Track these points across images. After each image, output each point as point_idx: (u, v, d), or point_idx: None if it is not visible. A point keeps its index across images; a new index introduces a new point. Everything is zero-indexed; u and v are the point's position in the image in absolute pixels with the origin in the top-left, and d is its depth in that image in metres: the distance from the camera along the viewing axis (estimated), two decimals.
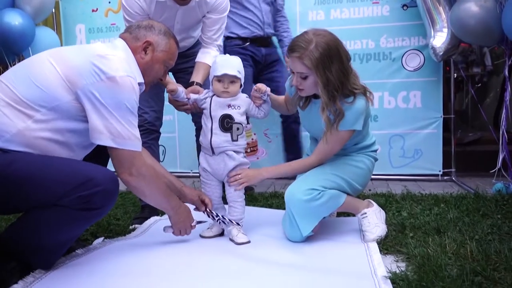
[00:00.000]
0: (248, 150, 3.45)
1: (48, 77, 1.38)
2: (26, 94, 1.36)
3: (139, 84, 1.53)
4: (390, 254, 1.66)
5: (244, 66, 1.88)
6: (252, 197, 2.67)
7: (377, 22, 3.15)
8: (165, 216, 2.22)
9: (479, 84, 3.87)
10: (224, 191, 1.93)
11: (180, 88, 1.91)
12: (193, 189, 1.92)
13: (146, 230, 1.98)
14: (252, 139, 3.44)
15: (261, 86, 1.84)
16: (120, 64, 1.44)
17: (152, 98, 2.18)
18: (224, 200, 1.95)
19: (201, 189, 1.94)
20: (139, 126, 2.16)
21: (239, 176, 1.83)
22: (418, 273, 1.41)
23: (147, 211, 2.16)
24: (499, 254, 1.54)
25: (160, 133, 2.32)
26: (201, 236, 1.87)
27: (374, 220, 1.82)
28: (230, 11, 2.22)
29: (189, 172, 3.53)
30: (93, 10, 3.68)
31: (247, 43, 2.79)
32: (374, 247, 1.66)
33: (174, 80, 2.18)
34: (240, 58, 1.87)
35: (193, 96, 1.91)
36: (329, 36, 1.68)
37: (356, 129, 1.75)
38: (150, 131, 2.23)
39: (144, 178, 1.50)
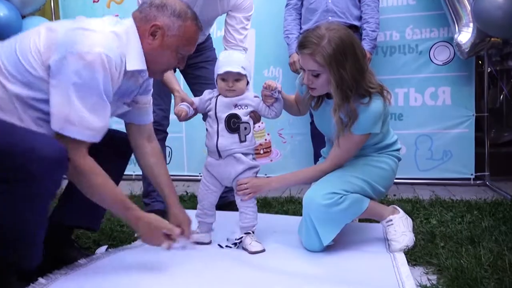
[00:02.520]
0: (261, 152, 3.47)
1: (27, 48, 1.35)
2: (8, 63, 1.35)
3: (141, 71, 1.49)
4: (419, 266, 1.63)
5: None
6: (266, 203, 2.66)
7: (402, 11, 3.12)
8: None
9: None
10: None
11: (189, 110, 1.88)
12: (181, 213, 1.75)
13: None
14: (266, 139, 3.45)
15: (271, 82, 1.81)
16: (100, 40, 1.36)
17: (159, 95, 2.18)
18: (227, 208, 1.93)
19: (199, 188, 1.92)
20: None
21: (245, 186, 1.82)
22: (451, 286, 1.38)
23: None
24: None
25: (167, 133, 2.33)
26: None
27: (401, 228, 1.79)
28: None
29: (198, 175, 3.53)
30: (94, 1, 3.73)
31: None
32: (402, 258, 1.64)
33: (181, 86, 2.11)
34: None
35: (195, 101, 1.91)
36: (343, 30, 1.67)
37: (374, 132, 1.73)
38: (156, 131, 2.19)
39: (82, 170, 1.38)
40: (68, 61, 1.31)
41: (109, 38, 1.39)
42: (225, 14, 2.20)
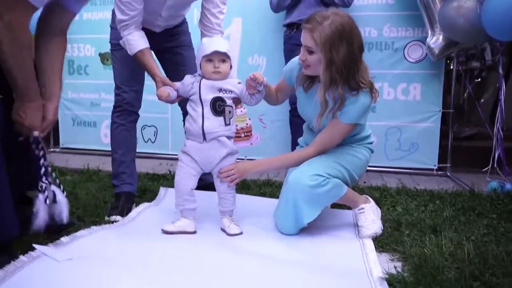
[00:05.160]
0: (242, 135, 3.40)
1: None
2: None
3: None
4: (385, 252, 1.62)
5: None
6: (245, 185, 2.62)
7: (381, 10, 3.05)
8: (154, 202, 2.18)
9: (478, 79, 3.82)
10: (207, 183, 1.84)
11: (171, 92, 1.80)
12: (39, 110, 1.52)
13: (135, 219, 1.90)
14: (247, 124, 3.39)
15: (259, 75, 1.74)
16: None
17: (132, 76, 2.06)
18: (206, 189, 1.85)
19: (176, 175, 1.81)
20: (116, 106, 2.11)
21: (232, 172, 1.75)
22: (415, 275, 1.37)
23: (123, 199, 2.02)
24: (496, 258, 1.51)
25: (138, 115, 2.19)
26: (162, 230, 1.72)
27: (371, 216, 1.78)
28: None
29: None
30: None
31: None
32: (370, 244, 1.63)
33: (160, 68, 2.03)
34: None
35: (177, 84, 1.82)
36: (347, 18, 1.63)
37: (360, 123, 1.71)
38: (128, 112, 2.11)
39: (11, 31, 1.25)
40: None
41: None
42: None
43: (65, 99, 3.72)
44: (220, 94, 1.72)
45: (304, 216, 1.69)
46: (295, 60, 1.84)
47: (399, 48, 3.06)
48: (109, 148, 2.16)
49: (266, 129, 3.33)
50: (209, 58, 1.70)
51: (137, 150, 2.25)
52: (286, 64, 2.91)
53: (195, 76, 1.79)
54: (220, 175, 1.76)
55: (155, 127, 3.55)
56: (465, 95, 4.02)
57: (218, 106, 1.71)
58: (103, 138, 3.69)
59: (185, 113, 2.16)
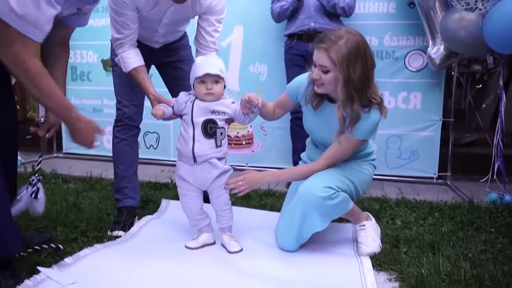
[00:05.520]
0: (244, 143, 3.43)
1: None
2: None
3: None
4: (383, 271, 1.65)
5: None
6: (246, 195, 2.59)
7: (383, 19, 3.06)
8: (156, 215, 2.21)
9: (480, 85, 3.83)
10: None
11: (166, 110, 1.80)
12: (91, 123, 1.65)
13: (137, 234, 1.93)
14: (248, 131, 3.41)
15: (254, 98, 1.74)
16: None
17: (133, 91, 2.06)
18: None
19: (180, 202, 1.84)
20: (118, 120, 2.13)
21: (240, 183, 1.75)
22: None
23: (125, 214, 2.04)
24: (492, 279, 1.53)
25: (139, 129, 2.20)
26: (187, 247, 1.78)
27: (372, 234, 1.81)
28: None
29: None
30: None
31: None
32: (368, 264, 1.65)
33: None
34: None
35: (173, 101, 1.82)
36: (360, 37, 1.65)
37: (370, 139, 1.73)
38: (129, 127, 2.13)
39: (33, 68, 1.34)
40: None
41: None
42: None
43: None
44: (212, 116, 1.71)
45: (314, 226, 1.72)
46: (302, 77, 1.86)
47: (399, 57, 3.06)
48: (112, 154, 2.18)
49: (267, 136, 3.35)
50: (201, 79, 1.69)
51: (139, 157, 2.26)
52: (287, 73, 2.98)
53: (189, 94, 1.79)
54: (227, 186, 1.76)
55: (157, 133, 3.58)
56: (467, 100, 4.03)
57: (209, 129, 1.70)
58: (105, 144, 3.71)
59: None
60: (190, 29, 2.25)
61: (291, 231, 1.76)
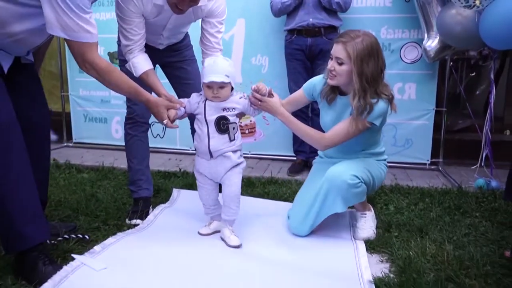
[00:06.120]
0: (247, 132, 3.60)
1: None
2: None
3: None
4: (375, 254, 1.85)
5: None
6: (250, 182, 2.82)
7: (379, 12, 3.19)
8: (168, 204, 2.39)
9: (473, 73, 3.97)
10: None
11: (179, 111, 1.89)
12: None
13: (153, 222, 2.12)
14: (251, 121, 3.57)
15: (262, 86, 1.89)
16: None
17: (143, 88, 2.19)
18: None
19: (198, 192, 2.00)
20: (128, 118, 2.29)
21: (260, 102, 1.90)
22: (399, 277, 1.59)
23: (142, 204, 2.20)
24: (472, 260, 1.73)
25: (149, 125, 2.34)
26: (199, 233, 1.97)
27: (370, 223, 2.02)
28: None
29: (189, 150, 3.66)
30: None
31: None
32: (362, 249, 1.84)
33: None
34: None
35: (184, 101, 1.94)
36: (375, 39, 1.86)
37: (375, 123, 1.86)
38: (139, 123, 2.26)
39: (99, 70, 1.64)
40: None
41: None
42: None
43: (77, 96, 3.91)
44: (224, 113, 1.85)
45: (334, 207, 1.90)
46: (318, 77, 2.06)
47: (395, 49, 3.21)
48: (120, 143, 2.35)
49: (269, 125, 3.52)
50: (207, 85, 1.81)
51: None
52: (287, 65, 3.13)
53: (201, 94, 1.91)
54: (253, 94, 1.90)
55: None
56: (462, 86, 4.17)
57: (222, 125, 1.84)
58: (114, 134, 3.88)
59: (192, 124, 2.33)
60: (191, 29, 2.37)
61: (311, 212, 1.93)
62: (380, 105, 1.85)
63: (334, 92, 1.98)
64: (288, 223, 2.06)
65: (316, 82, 2.06)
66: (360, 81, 1.81)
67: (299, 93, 2.13)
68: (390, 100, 1.88)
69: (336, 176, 1.89)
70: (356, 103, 1.82)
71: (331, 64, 1.88)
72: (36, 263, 1.53)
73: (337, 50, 1.85)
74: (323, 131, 2.01)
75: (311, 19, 2.90)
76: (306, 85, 2.11)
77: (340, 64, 1.85)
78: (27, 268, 1.53)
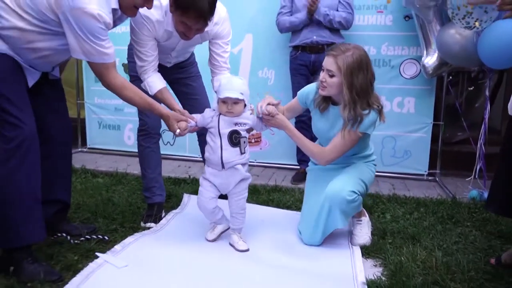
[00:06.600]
0: (253, 141, 3.77)
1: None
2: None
3: (114, 10, 1.77)
4: (370, 259, 2.01)
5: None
6: (255, 189, 2.99)
7: (380, 30, 3.36)
8: (179, 209, 2.57)
9: (472, 88, 4.11)
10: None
11: (189, 125, 2.02)
12: (181, 109, 2.12)
13: (165, 226, 2.29)
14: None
15: (272, 109, 2.05)
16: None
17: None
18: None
19: (198, 199, 2.10)
20: (140, 130, 2.47)
21: (270, 119, 2.04)
22: (390, 280, 1.75)
23: (156, 209, 2.38)
24: (458, 266, 1.88)
25: (160, 135, 2.49)
26: (206, 239, 2.12)
27: (365, 229, 2.18)
28: None
29: (197, 157, 3.82)
30: None
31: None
32: (358, 254, 2.00)
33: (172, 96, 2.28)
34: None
35: (197, 117, 2.07)
36: (364, 53, 1.98)
37: (368, 133, 2.01)
38: (151, 135, 2.42)
39: (115, 88, 1.85)
40: (72, 14, 1.65)
41: None
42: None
43: (92, 104, 4.11)
44: (236, 128, 2.01)
45: (336, 223, 2.05)
46: (311, 86, 2.18)
47: (395, 65, 3.38)
48: (132, 149, 2.50)
49: (274, 136, 3.69)
50: (222, 100, 1.96)
51: None
52: (292, 79, 3.31)
53: (214, 110, 2.07)
54: (265, 116, 2.04)
55: None
56: (460, 100, 4.32)
57: (234, 138, 1.99)
58: (126, 140, 4.07)
59: (199, 136, 2.52)
60: (196, 46, 2.49)
61: (318, 226, 2.08)
62: (371, 116, 1.97)
63: (326, 102, 2.10)
64: (301, 237, 2.18)
65: (309, 90, 2.18)
66: (350, 93, 1.93)
67: (295, 100, 2.28)
68: (380, 110, 2.01)
69: (336, 194, 2.01)
70: (347, 114, 1.96)
71: (322, 75, 1.99)
72: (21, 260, 1.68)
73: (328, 62, 1.96)
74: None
75: (314, 37, 3.09)
76: (300, 93, 2.23)
77: (331, 76, 1.95)
78: (13, 265, 1.68)
